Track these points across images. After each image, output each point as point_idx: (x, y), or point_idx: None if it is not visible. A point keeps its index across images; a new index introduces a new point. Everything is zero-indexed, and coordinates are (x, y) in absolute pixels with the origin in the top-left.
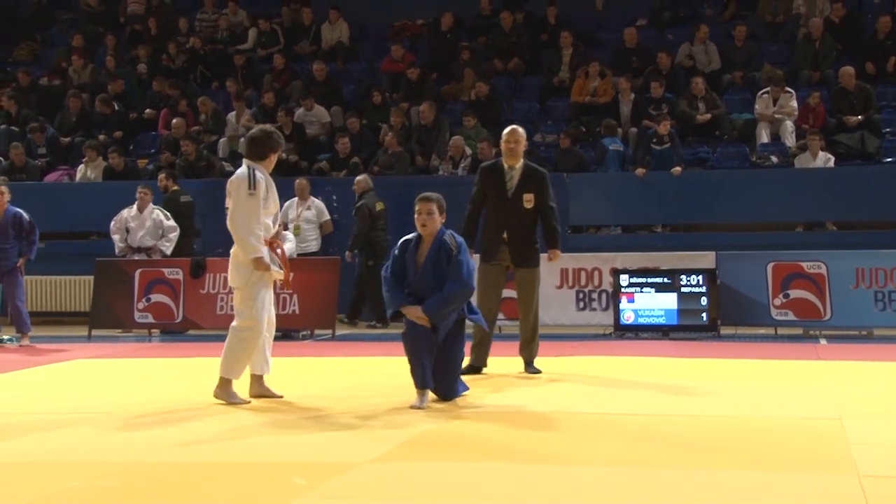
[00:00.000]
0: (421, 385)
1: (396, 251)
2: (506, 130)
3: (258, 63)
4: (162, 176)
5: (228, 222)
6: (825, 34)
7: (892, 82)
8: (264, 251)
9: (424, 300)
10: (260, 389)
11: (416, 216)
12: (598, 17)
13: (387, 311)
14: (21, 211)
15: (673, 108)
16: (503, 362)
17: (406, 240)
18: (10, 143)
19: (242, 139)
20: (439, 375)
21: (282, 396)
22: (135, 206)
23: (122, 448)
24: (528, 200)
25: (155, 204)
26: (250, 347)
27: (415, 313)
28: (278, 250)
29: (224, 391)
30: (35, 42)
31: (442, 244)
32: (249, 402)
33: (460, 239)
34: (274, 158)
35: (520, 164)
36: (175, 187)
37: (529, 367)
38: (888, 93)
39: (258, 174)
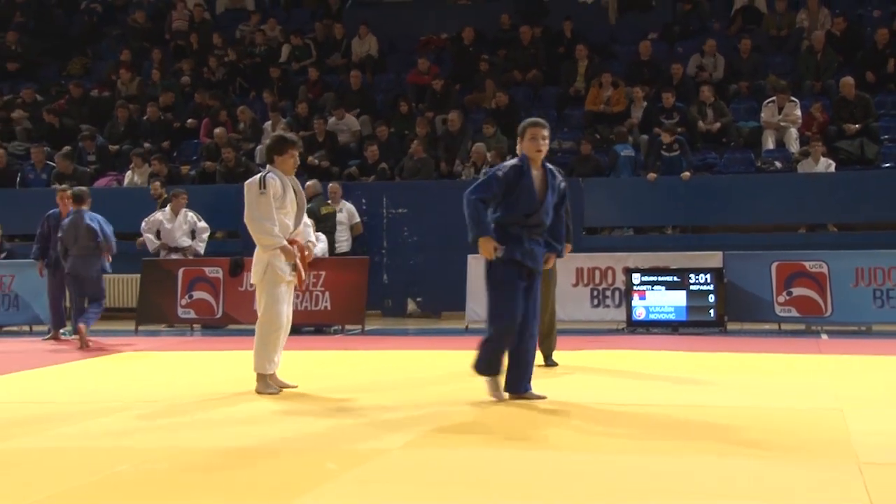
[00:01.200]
0: (497, 371)
1: (503, 174)
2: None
3: (293, 75)
4: (156, 184)
5: (245, 221)
6: (827, 46)
7: (891, 90)
8: (280, 241)
9: (542, 225)
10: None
11: (529, 142)
12: (612, 31)
13: (470, 233)
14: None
15: (683, 116)
16: None
17: (514, 165)
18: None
19: None
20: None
21: (296, 386)
22: (168, 208)
23: (169, 434)
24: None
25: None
26: (274, 340)
27: (489, 246)
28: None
29: (263, 385)
30: (86, 56)
31: (549, 170)
32: (294, 388)
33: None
34: (287, 160)
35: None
36: (166, 195)
37: (548, 361)
38: (887, 102)
39: (270, 176)
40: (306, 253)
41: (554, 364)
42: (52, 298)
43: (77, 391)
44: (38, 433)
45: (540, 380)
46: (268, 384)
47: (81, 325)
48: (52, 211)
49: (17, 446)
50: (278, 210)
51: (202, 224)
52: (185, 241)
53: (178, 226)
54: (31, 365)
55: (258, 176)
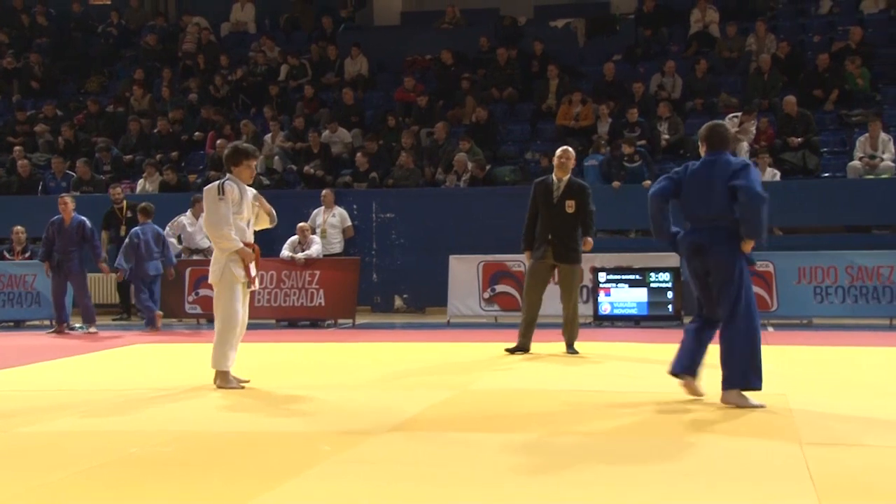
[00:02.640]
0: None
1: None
2: (559, 149)
3: (290, 92)
4: (117, 189)
5: (204, 225)
6: (772, 68)
7: (828, 110)
8: (237, 244)
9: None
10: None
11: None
12: (580, 53)
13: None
14: (84, 219)
15: (644, 130)
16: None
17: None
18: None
19: (276, 156)
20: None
21: (248, 381)
22: (189, 213)
23: (176, 419)
24: (570, 206)
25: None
26: (230, 339)
27: None
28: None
29: (223, 381)
30: (103, 75)
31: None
32: (246, 383)
33: None
34: (243, 170)
35: (567, 177)
36: (124, 200)
37: (570, 349)
38: (825, 118)
39: (228, 183)
40: (257, 257)
41: (575, 352)
42: (55, 296)
43: (90, 380)
44: (58, 418)
45: (522, 369)
46: (228, 379)
47: (159, 312)
48: (55, 217)
49: (37, 430)
50: (235, 215)
51: None
52: (205, 243)
53: (199, 229)
54: (49, 356)
55: (216, 182)
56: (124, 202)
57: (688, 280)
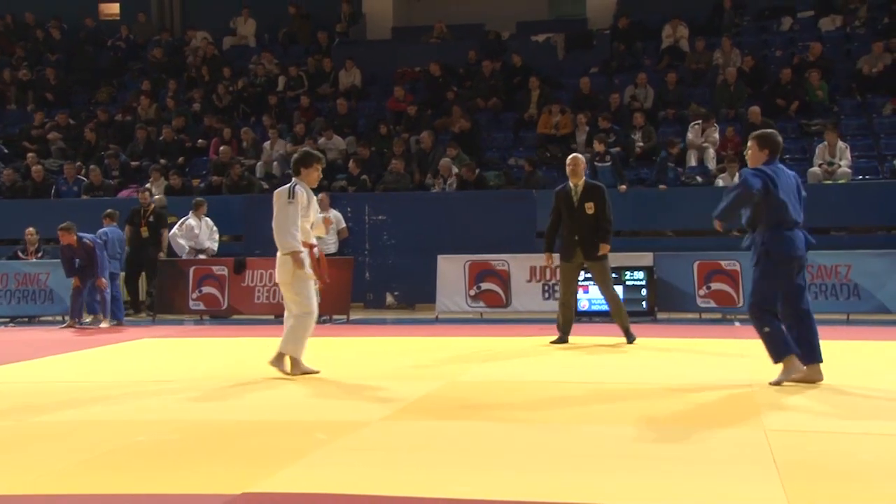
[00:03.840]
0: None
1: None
2: (569, 157)
3: (288, 102)
4: (146, 194)
5: (273, 225)
6: (738, 80)
7: (790, 119)
8: (300, 248)
9: None
10: (279, 365)
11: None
12: (560, 66)
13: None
14: (88, 240)
15: (619, 138)
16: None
17: None
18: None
19: (275, 162)
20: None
21: (318, 372)
22: (191, 214)
23: (181, 409)
24: (590, 208)
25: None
26: (309, 330)
27: None
28: (316, 251)
29: (296, 367)
30: (112, 86)
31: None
32: (318, 371)
33: None
34: (311, 173)
35: (582, 181)
36: (151, 203)
37: (629, 336)
38: (787, 127)
39: (298, 187)
40: (319, 256)
41: (633, 337)
42: (73, 295)
43: (101, 373)
44: (69, 409)
45: (508, 361)
46: (301, 365)
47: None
48: (63, 245)
49: (50, 419)
50: (302, 218)
51: (215, 228)
52: (208, 243)
53: (203, 230)
54: (60, 350)
55: (287, 186)
56: (151, 206)
57: (775, 278)
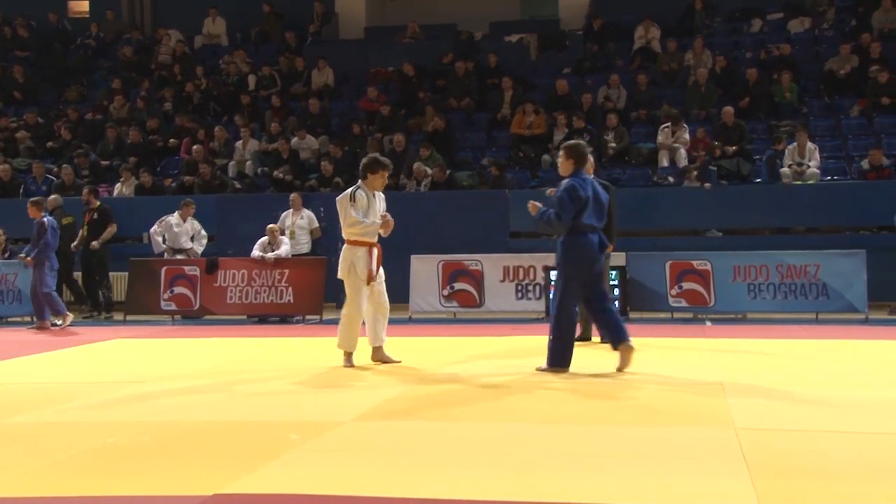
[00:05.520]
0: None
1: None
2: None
3: (260, 101)
4: (86, 191)
5: (343, 227)
6: (709, 81)
7: (760, 119)
8: (371, 224)
9: None
10: (379, 356)
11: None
12: (532, 66)
13: None
14: (38, 219)
15: (592, 138)
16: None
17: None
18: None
19: (248, 161)
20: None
21: (399, 361)
22: (176, 214)
23: (154, 410)
24: None
25: (85, 213)
26: (357, 325)
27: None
28: (375, 251)
29: (348, 361)
30: (82, 85)
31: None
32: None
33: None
34: (377, 178)
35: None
36: (97, 202)
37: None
38: (758, 128)
39: (359, 192)
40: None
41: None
42: (31, 293)
43: (73, 373)
44: (41, 410)
45: (483, 361)
46: (350, 359)
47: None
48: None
49: (21, 421)
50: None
51: (203, 232)
52: (189, 244)
53: (185, 230)
54: (30, 351)
55: (349, 191)
56: (95, 204)
57: (578, 278)
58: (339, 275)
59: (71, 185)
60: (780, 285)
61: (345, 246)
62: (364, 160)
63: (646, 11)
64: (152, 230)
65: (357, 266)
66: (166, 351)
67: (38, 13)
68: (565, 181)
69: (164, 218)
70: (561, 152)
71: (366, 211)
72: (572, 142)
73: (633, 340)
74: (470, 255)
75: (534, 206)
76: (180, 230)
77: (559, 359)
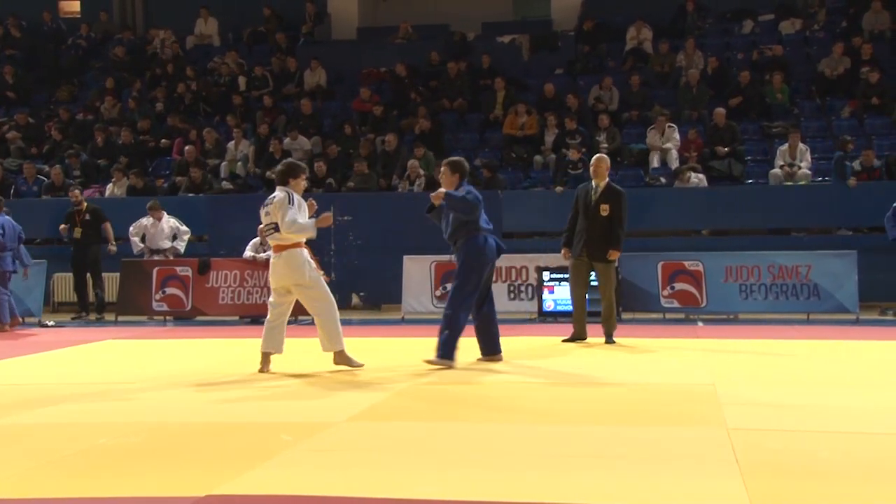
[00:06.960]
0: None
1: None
2: (594, 157)
3: (253, 102)
4: (76, 191)
5: (284, 228)
6: (701, 82)
7: (752, 120)
8: (313, 227)
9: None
10: (341, 360)
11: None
12: (525, 66)
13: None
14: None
15: (584, 139)
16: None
17: None
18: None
19: (239, 162)
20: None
21: (362, 365)
22: (149, 216)
23: (145, 411)
24: (604, 210)
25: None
26: (337, 321)
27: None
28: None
29: (342, 358)
30: (73, 85)
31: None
32: (363, 364)
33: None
34: (299, 183)
35: (604, 182)
36: (85, 202)
37: (609, 339)
38: (749, 129)
39: (294, 195)
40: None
41: (612, 342)
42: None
43: (64, 374)
44: (32, 411)
45: (467, 363)
46: (348, 357)
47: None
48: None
49: (9, 422)
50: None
51: (184, 228)
52: (167, 244)
53: (160, 231)
54: (21, 352)
55: (284, 195)
56: (84, 204)
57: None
58: (301, 280)
59: (61, 185)
60: (771, 286)
61: (290, 251)
62: (280, 167)
63: (638, 12)
64: (130, 232)
65: (311, 263)
66: (158, 352)
67: (30, 13)
68: (459, 190)
69: (138, 221)
70: (444, 168)
71: (300, 212)
72: (454, 158)
73: (626, 340)
74: None
75: (439, 194)
76: (156, 231)
77: (450, 351)
